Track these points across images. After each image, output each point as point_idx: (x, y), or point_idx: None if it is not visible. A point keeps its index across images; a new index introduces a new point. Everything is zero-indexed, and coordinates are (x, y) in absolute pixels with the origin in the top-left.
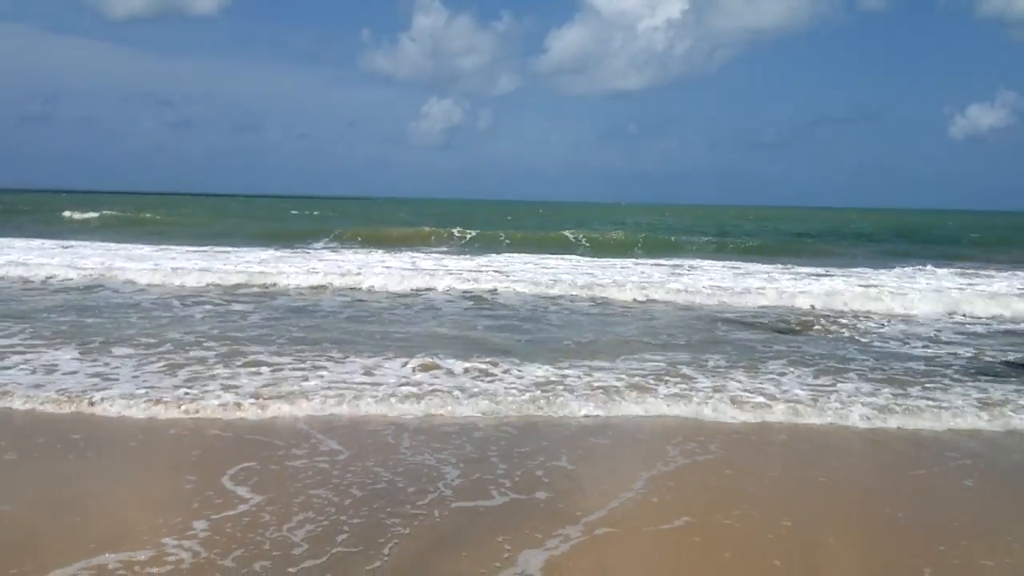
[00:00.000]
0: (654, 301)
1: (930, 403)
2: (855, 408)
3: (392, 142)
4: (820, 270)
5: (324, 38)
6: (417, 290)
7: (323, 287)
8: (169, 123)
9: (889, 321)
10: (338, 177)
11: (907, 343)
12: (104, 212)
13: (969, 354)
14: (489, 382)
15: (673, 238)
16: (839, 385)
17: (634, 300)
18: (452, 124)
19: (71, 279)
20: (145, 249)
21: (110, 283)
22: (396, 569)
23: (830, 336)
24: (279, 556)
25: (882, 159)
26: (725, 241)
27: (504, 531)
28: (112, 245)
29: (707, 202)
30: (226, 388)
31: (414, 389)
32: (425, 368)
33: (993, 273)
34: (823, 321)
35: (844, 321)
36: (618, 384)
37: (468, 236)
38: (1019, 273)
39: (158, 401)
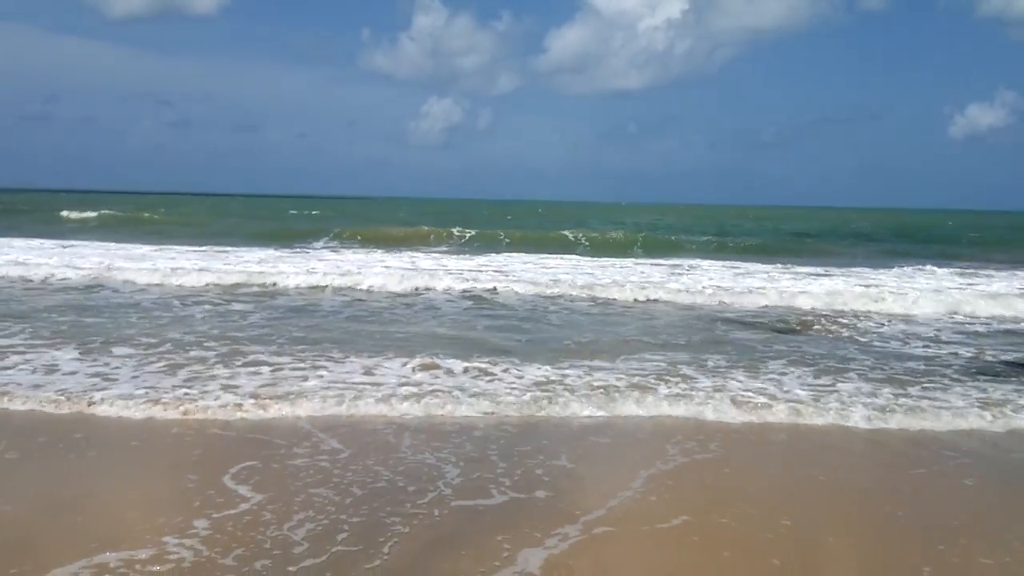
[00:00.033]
0: (654, 301)
1: (930, 403)
2: (855, 408)
3: (392, 142)
4: (820, 270)
5: (324, 37)
6: (417, 290)
7: (323, 287)
8: (169, 123)
9: (889, 321)
10: (338, 177)
11: (907, 343)
12: (103, 212)
13: (969, 354)
14: (489, 382)
15: (673, 237)
16: (839, 385)
17: (634, 300)
18: (452, 124)
19: (71, 279)
20: (144, 249)
21: (110, 283)
22: (396, 568)
23: (830, 336)
24: (279, 555)
25: (882, 159)
26: (725, 241)
27: (504, 530)
28: (111, 245)
29: (707, 202)
30: (227, 388)
31: (414, 389)
32: (425, 368)
33: (993, 273)
34: (823, 321)
35: (844, 321)
36: (618, 384)
37: (467, 235)
38: (1018, 272)
39: (158, 401)
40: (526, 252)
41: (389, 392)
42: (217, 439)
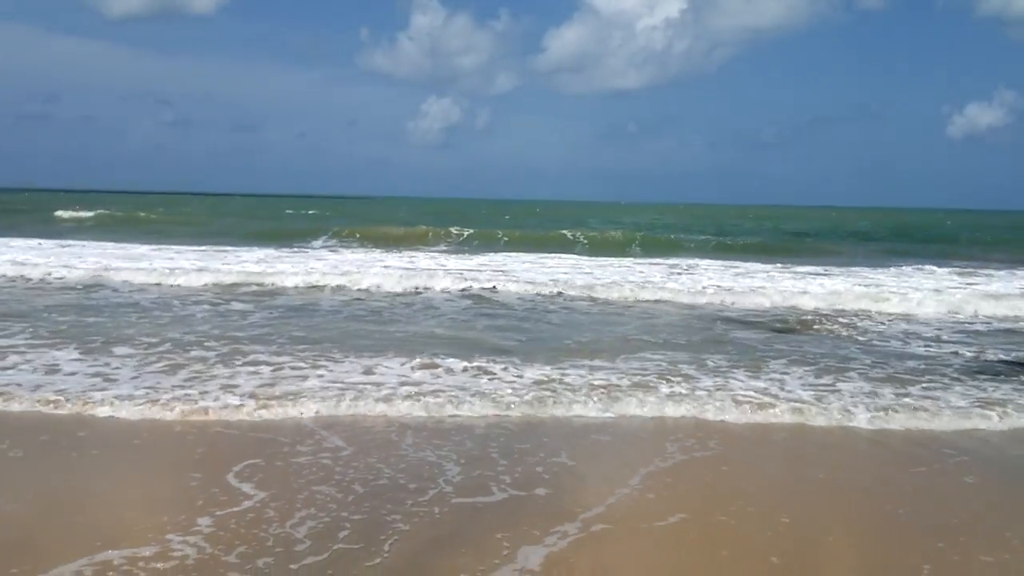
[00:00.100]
0: (653, 300)
1: (931, 402)
2: (855, 407)
3: (391, 141)
4: (819, 269)
5: (323, 37)
6: (416, 289)
7: (322, 286)
8: (168, 123)
9: (889, 320)
10: (337, 176)
11: (907, 342)
12: (101, 211)
13: (970, 353)
14: (489, 380)
15: (672, 236)
16: (840, 384)
17: (634, 299)
18: (451, 123)
19: (71, 279)
20: (144, 248)
21: (109, 283)
22: (396, 565)
23: (830, 335)
24: (281, 552)
25: (881, 158)
26: (724, 240)
27: (503, 527)
28: (111, 245)
29: (706, 201)
30: (228, 387)
31: (414, 388)
32: (425, 367)
33: (992, 272)
34: (823, 320)
35: (844, 320)
36: (618, 383)
37: (465, 234)
38: (1018, 272)
39: (160, 401)
40: (525, 252)
41: (390, 391)
42: (219, 438)
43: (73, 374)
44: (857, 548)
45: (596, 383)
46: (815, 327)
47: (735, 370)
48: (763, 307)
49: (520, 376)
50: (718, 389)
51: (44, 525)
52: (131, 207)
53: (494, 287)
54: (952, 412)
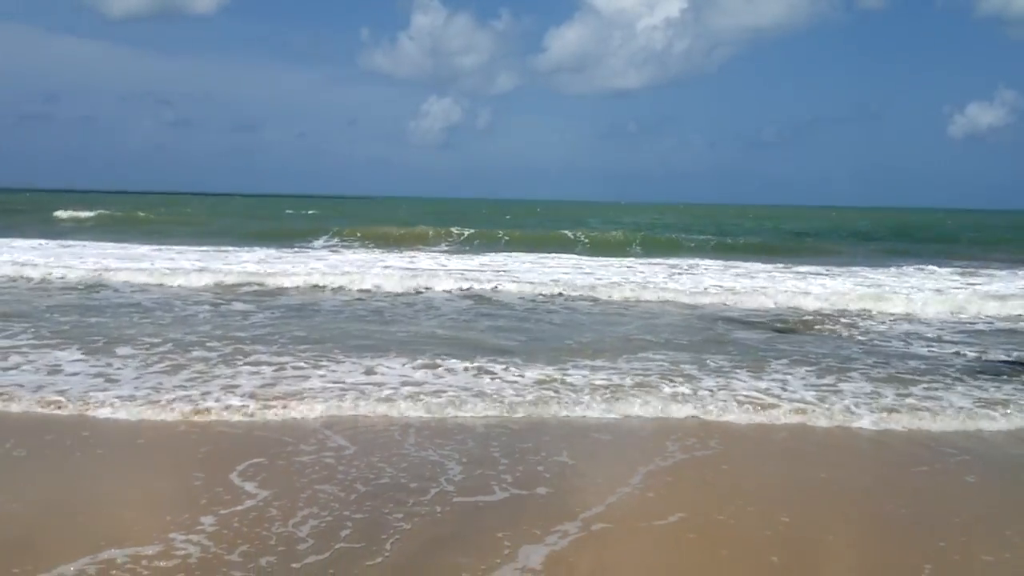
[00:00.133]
0: (654, 300)
1: (933, 402)
2: (857, 407)
3: (391, 141)
4: (820, 269)
5: (323, 37)
6: (417, 289)
7: (323, 287)
8: (168, 123)
9: (891, 320)
10: (338, 176)
11: (909, 342)
12: (101, 211)
13: (971, 353)
14: (491, 380)
15: (673, 236)
16: (841, 384)
17: (635, 299)
18: (451, 123)
19: (72, 279)
20: (144, 249)
21: (111, 283)
22: (398, 564)
23: (831, 335)
24: (284, 551)
25: (881, 158)
26: (724, 240)
27: (504, 527)
28: (111, 245)
29: (707, 201)
30: (230, 387)
31: (416, 388)
32: (427, 367)
33: (993, 272)
34: (824, 320)
35: (845, 320)
36: (620, 383)
37: (466, 234)
38: (1018, 271)
39: (162, 401)
40: (526, 251)
41: (391, 391)
42: (222, 437)
43: (75, 374)
44: (858, 548)
45: (598, 383)
46: (817, 327)
47: (737, 370)
48: (765, 307)
49: (521, 376)
50: (720, 389)
51: (47, 524)
52: (131, 207)
53: (495, 287)
54: (954, 412)
